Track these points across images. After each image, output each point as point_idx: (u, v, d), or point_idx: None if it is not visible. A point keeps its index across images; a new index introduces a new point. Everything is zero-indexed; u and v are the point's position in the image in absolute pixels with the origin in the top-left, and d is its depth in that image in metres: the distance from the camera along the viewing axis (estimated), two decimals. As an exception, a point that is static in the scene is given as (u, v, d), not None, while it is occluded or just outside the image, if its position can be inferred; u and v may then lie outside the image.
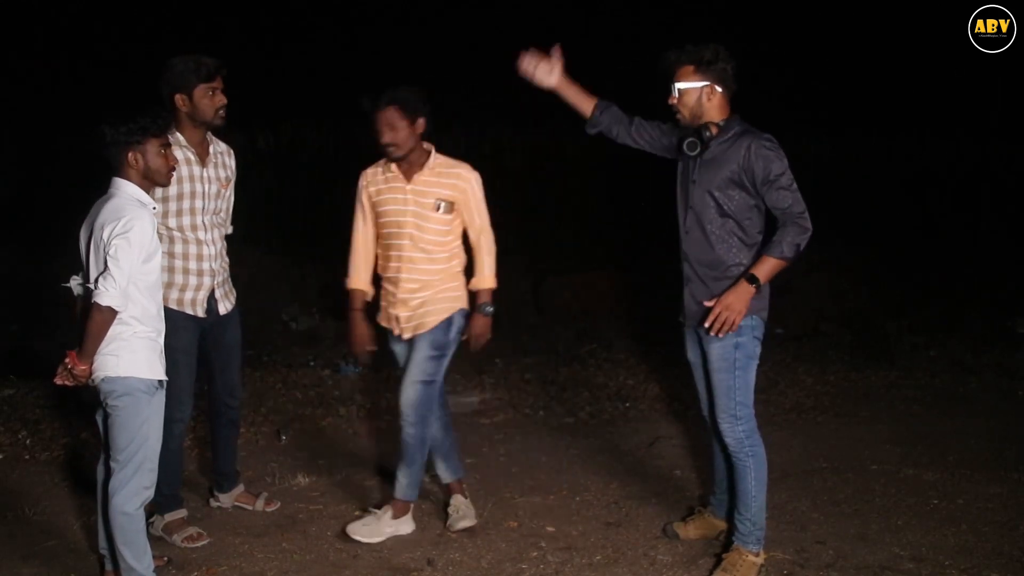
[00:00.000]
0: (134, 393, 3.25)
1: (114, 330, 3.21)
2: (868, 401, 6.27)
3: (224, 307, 4.05)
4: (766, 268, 3.52)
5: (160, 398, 3.34)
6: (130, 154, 3.23)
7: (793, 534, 4.12)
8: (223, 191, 4.04)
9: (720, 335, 3.55)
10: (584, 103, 3.83)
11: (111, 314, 3.15)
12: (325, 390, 6.28)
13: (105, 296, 3.12)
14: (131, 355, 3.24)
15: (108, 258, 3.14)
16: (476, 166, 4.15)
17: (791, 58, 11.51)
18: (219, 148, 4.06)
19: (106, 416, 3.34)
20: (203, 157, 3.95)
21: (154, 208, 3.33)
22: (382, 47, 12.47)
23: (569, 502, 4.54)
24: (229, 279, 4.13)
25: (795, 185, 3.51)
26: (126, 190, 3.25)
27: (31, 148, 8.85)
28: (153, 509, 3.99)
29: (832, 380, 6.69)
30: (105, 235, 3.15)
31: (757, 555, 3.71)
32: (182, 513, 4.11)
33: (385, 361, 6.87)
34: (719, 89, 3.58)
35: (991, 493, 4.60)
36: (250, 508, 4.36)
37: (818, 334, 7.87)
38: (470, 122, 9.95)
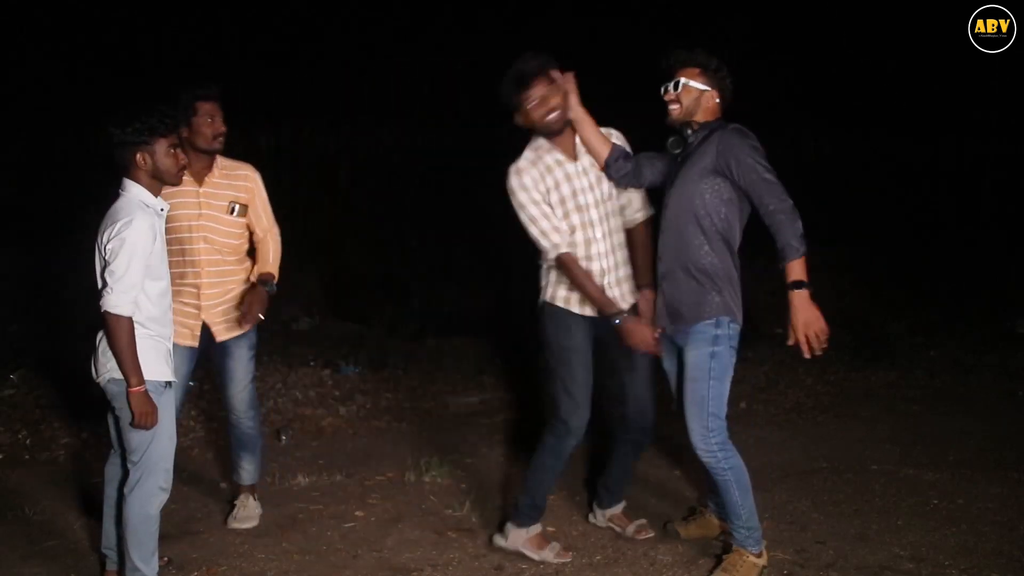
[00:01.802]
0: None
1: None
2: (868, 401, 6.27)
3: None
4: (797, 269, 3.42)
5: (168, 398, 3.33)
6: (138, 155, 3.19)
7: (793, 534, 4.12)
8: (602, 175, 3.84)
9: (818, 353, 3.46)
10: (599, 145, 3.73)
11: (118, 321, 3.12)
12: (325, 390, 6.28)
13: (104, 302, 3.12)
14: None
15: (107, 264, 3.13)
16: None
17: (791, 57, 11.51)
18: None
19: (116, 419, 3.33)
20: (575, 150, 3.81)
21: (161, 210, 3.28)
22: (382, 47, 12.47)
23: (569, 502, 4.54)
24: (630, 277, 3.91)
25: (766, 171, 3.43)
26: (132, 192, 3.22)
27: (32, 148, 8.85)
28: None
29: (832, 380, 6.69)
30: (103, 240, 3.15)
31: (759, 555, 3.70)
32: (539, 528, 3.96)
33: (386, 361, 6.90)
34: (717, 99, 3.61)
35: (991, 493, 4.60)
36: (619, 530, 4.15)
37: (818, 334, 7.85)
38: (470, 122, 9.96)
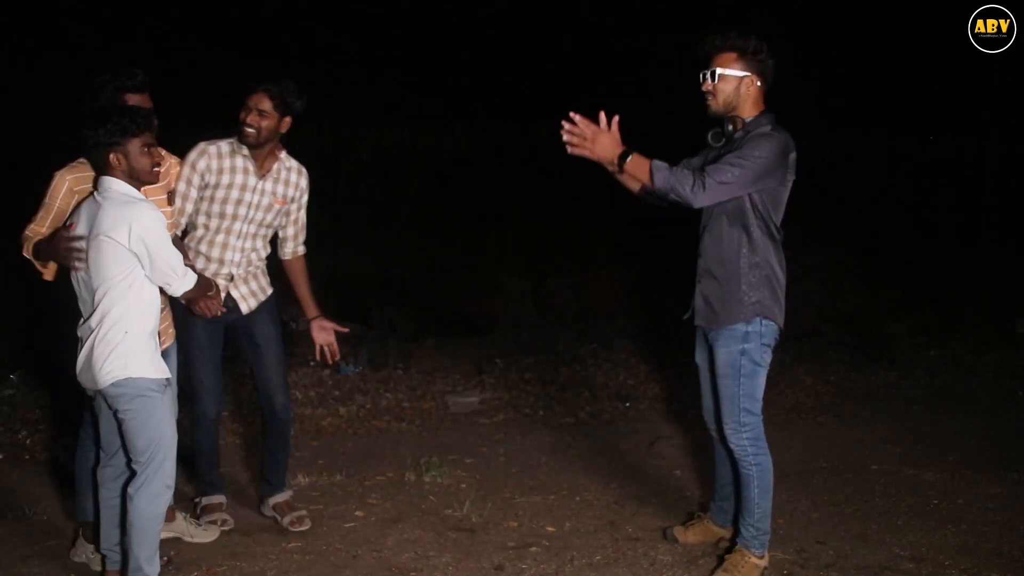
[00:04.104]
0: (145, 394, 3.24)
1: (116, 334, 3.21)
2: (868, 401, 6.27)
3: (247, 305, 4.05)
4: (638, 163, 3.34)
5: (169, 396, 3.35)
6: (112, 155, 3.20)
7: (793, 534, 4.12)
8: (276, 206, 4.02)
9: (569, 145, 3.35)
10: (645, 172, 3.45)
11: (191, 290, 3.34)
12: (325, 390, 6.29)
13: (176, 290, 3.31)
14: (137, 357, 3.23)
15: (144, 260, 3.17)
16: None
17: (789, 57, 11.51)
18: (288, 165, 4.05)
19: (120, 422, 3.33)
20: (264, 170, 3.95)
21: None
22: (382, 46, 12.47)
23: (569, 502, 4.54)
24: (257, 279, 4.09)
25: (745, 169, 3.33)
26: (118, 189, 3.22)
27: (31, 145, 8.84)
28: (195, 491, 4.27)
29: (832, 380, 6.69)
30: (121, 239, 3.13)
31: (761, 558, 3.70)
32: (220, 498, 4.24)
33: (386, 361, 6.90)
34: (759, 83, 3.49)
35: (991, 493, 4.60)
36: (280, 520, 4.21)
37: (818, 334, 7.87)
38: (470, 122, 9.96)
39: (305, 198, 4.14)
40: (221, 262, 3.97)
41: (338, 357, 4.28)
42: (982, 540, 4.07)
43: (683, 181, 3.34)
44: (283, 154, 4.06)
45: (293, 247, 4.18)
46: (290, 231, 4.14)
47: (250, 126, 3.85)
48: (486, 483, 4.77)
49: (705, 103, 3.54)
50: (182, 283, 3.30)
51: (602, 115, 3.38)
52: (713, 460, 3.99)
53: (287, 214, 4.10)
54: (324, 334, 4.22)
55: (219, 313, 3.72)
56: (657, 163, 3.37)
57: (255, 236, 4.02)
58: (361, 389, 6.34)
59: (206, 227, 3.95)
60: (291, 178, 4.06)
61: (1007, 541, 4.07)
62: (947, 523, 4.25)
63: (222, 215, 3.94)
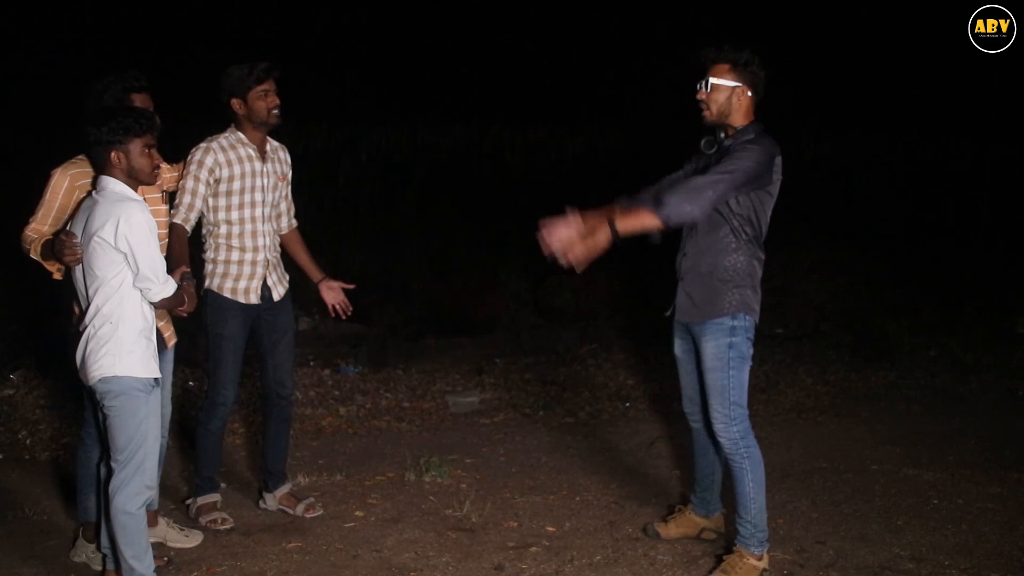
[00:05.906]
0: (131, 392, 3.25)
1: (107, 331, 3.23)
2: (868, 401, 6.27)
3: (278, 293, 4.19)
4: (630, 220, 3.38)
5: (156, 396, 3.35)
6: (113, 153, 3.24)
7: (793, 534, 4.12)
8: (280, 184, 4.20)
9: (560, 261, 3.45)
10: (647, 220, 3.46)
11: (170, 299, 3.31)
12: (325, 390, 6.29)
13: (153, 296, 3.27)
14: (128, 355, 3.25)
15: (129, 259, 3.19)
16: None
17: (790, 58, 11.52)
18: (273, 145, 4.23)
19: (104, 417, 3.33)
20: (263, 154, 4.13)
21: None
22: (383, 46, 12.48)
23: (569, 502, 4.54)
24: (281, 265, 4.26)
25: (729, 179, 3.42)
26: (113, 188, 3.25)
27: (31, 144, 8.84)
28: (190, 491, 4.27)
29: (832, 380, 6.69)
30: (108, 238, 3.16)
31: (760, 558, 3.69)
32: (215, 497, 4.27)
33: (386, 361, 6.90)
34: (749, 93, 3.59)
35: (991, 493, 4.60)
36: (291, 512, 4.31)
37: (818, 334, 7.87)
38: (470, 122, 9.96)
39: (291, 172, 4.30)
40: (256, 249, 4.09)
41: (351, 311, 4.42)
42: (982, 540, 4.08)
43: (679, 204, 3.40)
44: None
45: (288, 220, 4.32)
46: (283, 206, 4.28)
47: (278, 107, 4.05)
48: (486, 483, 4.77)
49: (701, 112, 3.65)
50: (161, 290, 3.28)
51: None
52: (693, 450, 4.03)
53: (280, 190, 4.25)
54: (333, 293, 4.38)
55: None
56: (646, 206, 3.42)
57: (270, 218, 4.17)
58: (361, 389, 6.35)
59: (229, 222, 4.06)
60: (281, 155, 4.26)
61: (1007, 541, 4.07)
62: (947, 523, 4.25)
63: (241, 205, 4.06)
